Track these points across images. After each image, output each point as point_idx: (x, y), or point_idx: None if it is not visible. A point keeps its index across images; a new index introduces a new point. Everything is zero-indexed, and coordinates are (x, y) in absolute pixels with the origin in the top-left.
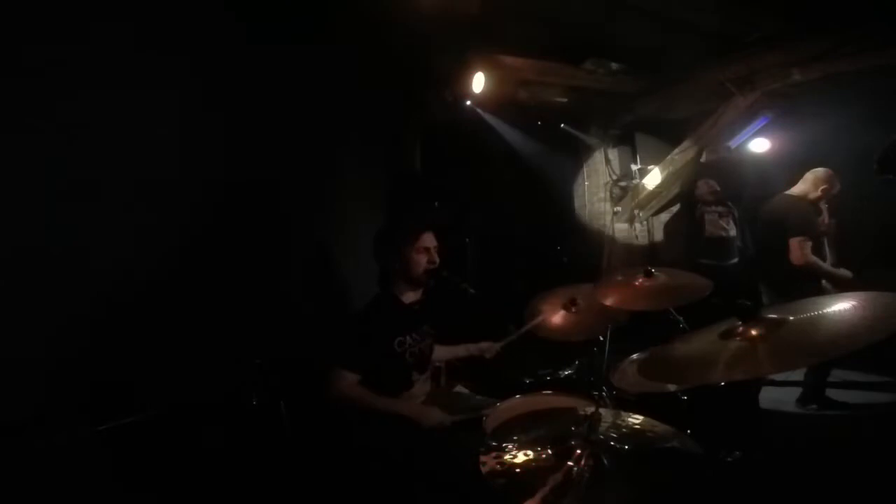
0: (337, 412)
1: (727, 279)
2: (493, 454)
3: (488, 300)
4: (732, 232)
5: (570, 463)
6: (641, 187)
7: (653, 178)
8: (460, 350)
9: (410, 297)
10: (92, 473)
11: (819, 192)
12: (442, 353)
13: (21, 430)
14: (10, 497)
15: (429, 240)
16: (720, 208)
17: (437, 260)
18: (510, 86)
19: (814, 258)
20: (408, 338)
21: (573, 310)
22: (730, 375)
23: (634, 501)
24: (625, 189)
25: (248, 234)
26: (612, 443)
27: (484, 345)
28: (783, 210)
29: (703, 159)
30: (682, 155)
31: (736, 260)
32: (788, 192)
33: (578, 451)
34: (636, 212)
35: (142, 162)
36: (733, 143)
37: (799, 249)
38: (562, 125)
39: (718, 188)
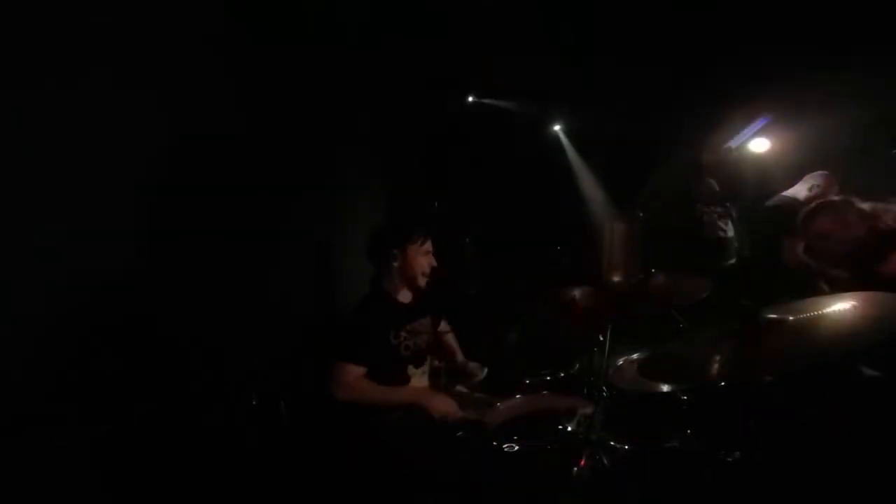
0: (338, 411)
1: (725, 280)
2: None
3: (488, 300)
4: (730, 233)
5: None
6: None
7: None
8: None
9: (406, 296)
10: (91, 473)
11: (811, 195)
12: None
13: (21, 430)
14: (10, 497)
15: (429, 244)
16: (718, 209)
17: (435, 263)
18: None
19: (806, 257)
20: (402, 332)
21: (573, 310)
22: (730, 375)
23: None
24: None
25: (247, 235)
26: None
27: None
28: (780, 211)
29: (702, 159)
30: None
31: (733, 261)
32: (786, 192)
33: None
34: (637, 212)
35: (140, 161)
36: (733, 144)
37: (791, 249)
38: (556, 127)
39: (717, 188)
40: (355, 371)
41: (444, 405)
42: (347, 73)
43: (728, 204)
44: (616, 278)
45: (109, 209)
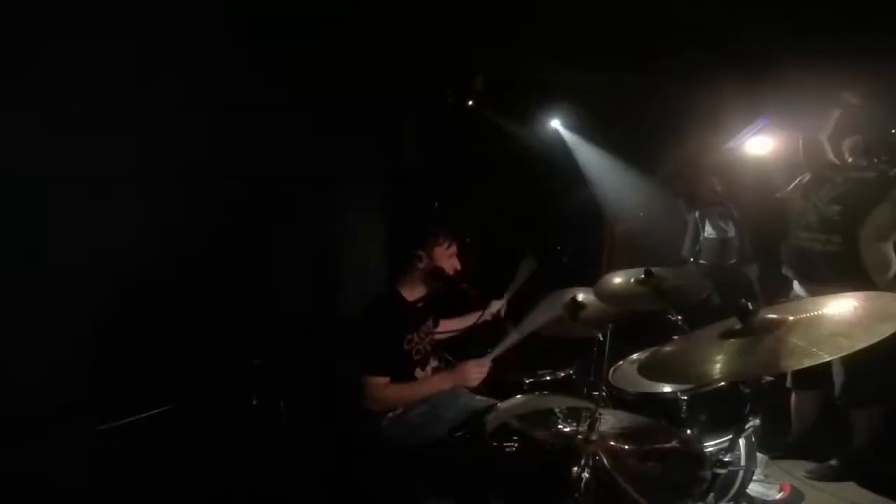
0: (339, 411)
1: (726, 280)
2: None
3: (488, 300)
4: (731, 233)
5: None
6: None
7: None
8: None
9: (416, 294)
10: (92, 473)
11: None
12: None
13: (21, 429)
14: (10, 497)
15: (455, 247)
16: (720, 208)
17: (459, 267)
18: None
19: None
20: (415, 336)
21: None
22: (730, 375)
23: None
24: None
25: (246, 235)
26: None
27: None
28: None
29: (702, 159)
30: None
31: (734, 260)
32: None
33: (578, 451)
34: (637, 212)
35: (142, 162)
36: (733, 143)
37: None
38: (553, 123)
39: (718, 188)
40: (380, 381)
41: (474, 375)
42: (348, 74)
43: (729, 203)
44: (617, 279)
45: (107, 209)
